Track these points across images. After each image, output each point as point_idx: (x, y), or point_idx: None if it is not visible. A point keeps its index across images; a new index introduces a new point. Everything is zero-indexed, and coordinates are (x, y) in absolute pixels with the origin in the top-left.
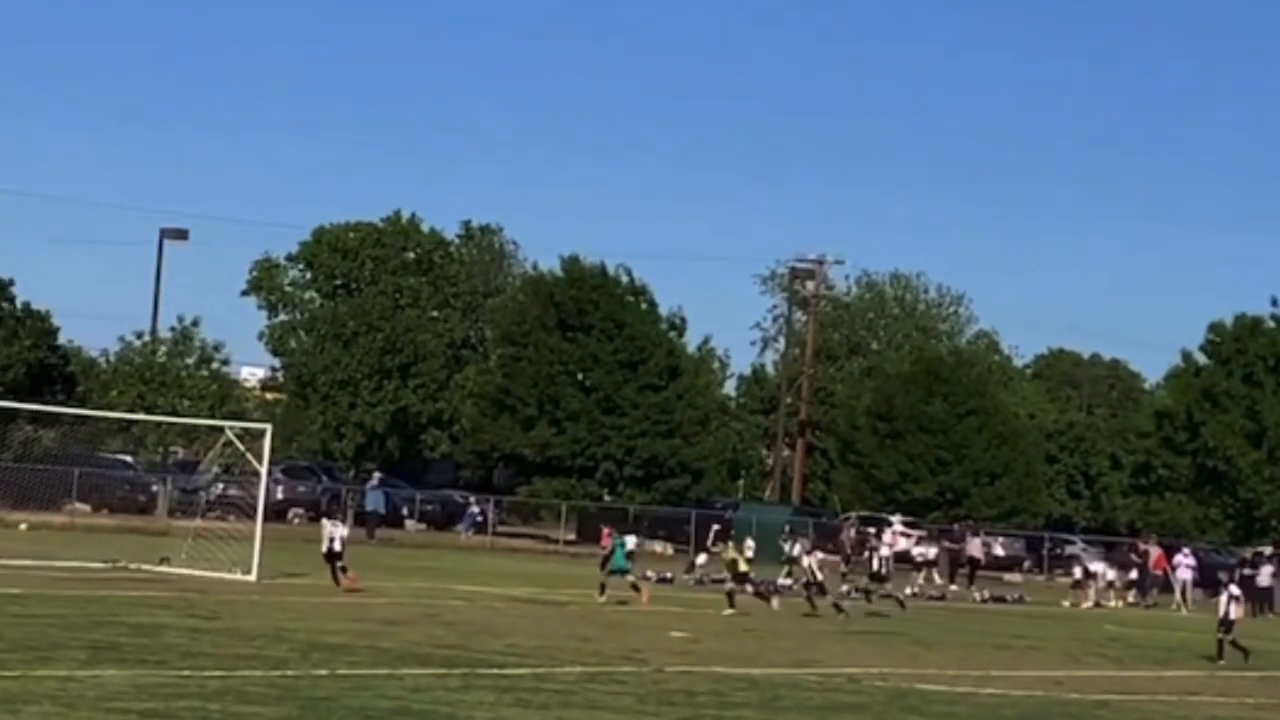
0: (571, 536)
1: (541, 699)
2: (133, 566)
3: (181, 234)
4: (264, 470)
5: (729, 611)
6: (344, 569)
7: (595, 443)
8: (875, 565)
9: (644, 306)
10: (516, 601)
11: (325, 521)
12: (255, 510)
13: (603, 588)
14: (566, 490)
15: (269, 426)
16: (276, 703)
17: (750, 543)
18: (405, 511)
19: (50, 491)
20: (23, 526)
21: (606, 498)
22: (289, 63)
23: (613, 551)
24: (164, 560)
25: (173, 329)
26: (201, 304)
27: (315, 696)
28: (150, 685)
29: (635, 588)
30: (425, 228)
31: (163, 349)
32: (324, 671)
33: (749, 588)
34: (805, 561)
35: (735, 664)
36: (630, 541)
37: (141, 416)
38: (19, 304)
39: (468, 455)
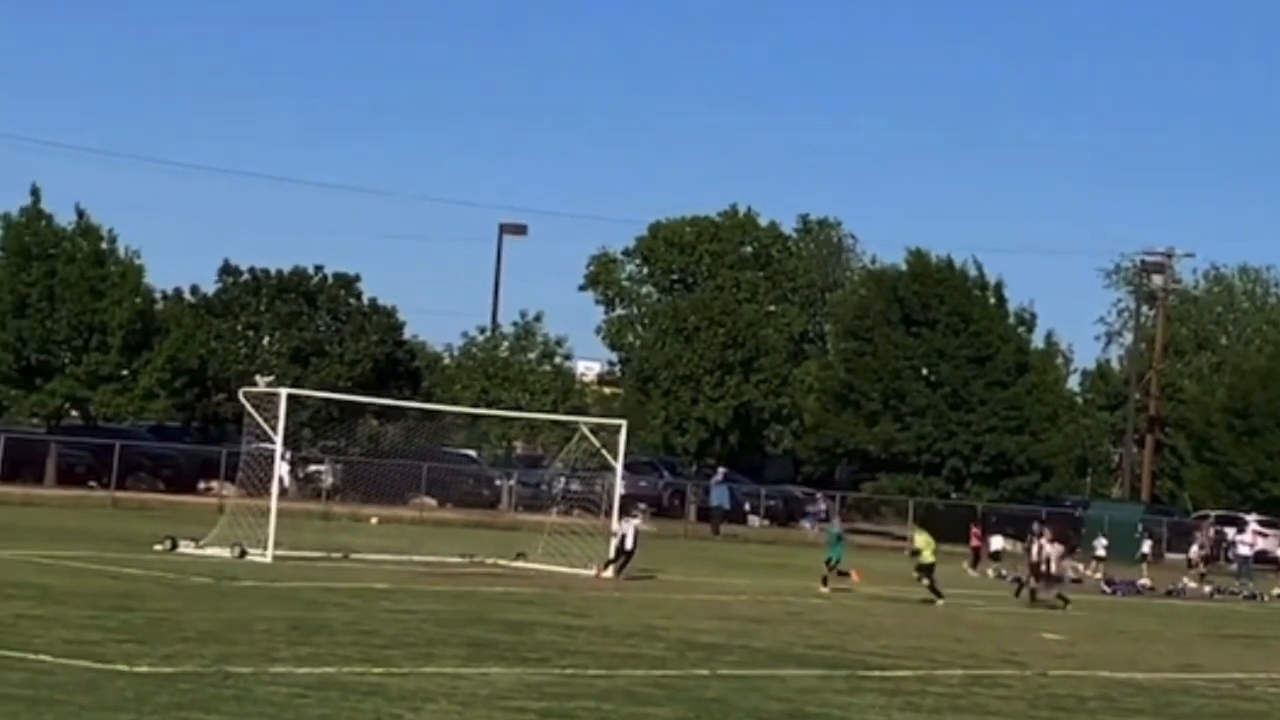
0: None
1: (930, 703)
2: (489, 561)
3: (520, 229)
4: (619, 466)
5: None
6: (610, 563)
7: (942, 439)
8: (1043, 565)
9: (991, 301)
10: (879, 600)
11: (617, 523)
12: (599, 506)
13: (825, 580)
14: (912, 486)
15: (624, 422)
16: (668, 703)
17: (1102, 540)
18: (748, 507)
19: (397, 486)
20: (373, 520)
21: (953, 495)
22: (624, 56)
23: (829, 541)
24: (520, 555)
25: (515, 324)
26: (539, 298)
27: (705, 697)
28: (538, 684)
29: (842, 573)
30: (762, 221)
31: (505, 344)
32: (705, 671)
33: (925, 581)
34: (1046, 551)
35: (1117, 668)
36: (996, 542)
37: (489, 411)
38: (365, 300)
39: (809, 450)
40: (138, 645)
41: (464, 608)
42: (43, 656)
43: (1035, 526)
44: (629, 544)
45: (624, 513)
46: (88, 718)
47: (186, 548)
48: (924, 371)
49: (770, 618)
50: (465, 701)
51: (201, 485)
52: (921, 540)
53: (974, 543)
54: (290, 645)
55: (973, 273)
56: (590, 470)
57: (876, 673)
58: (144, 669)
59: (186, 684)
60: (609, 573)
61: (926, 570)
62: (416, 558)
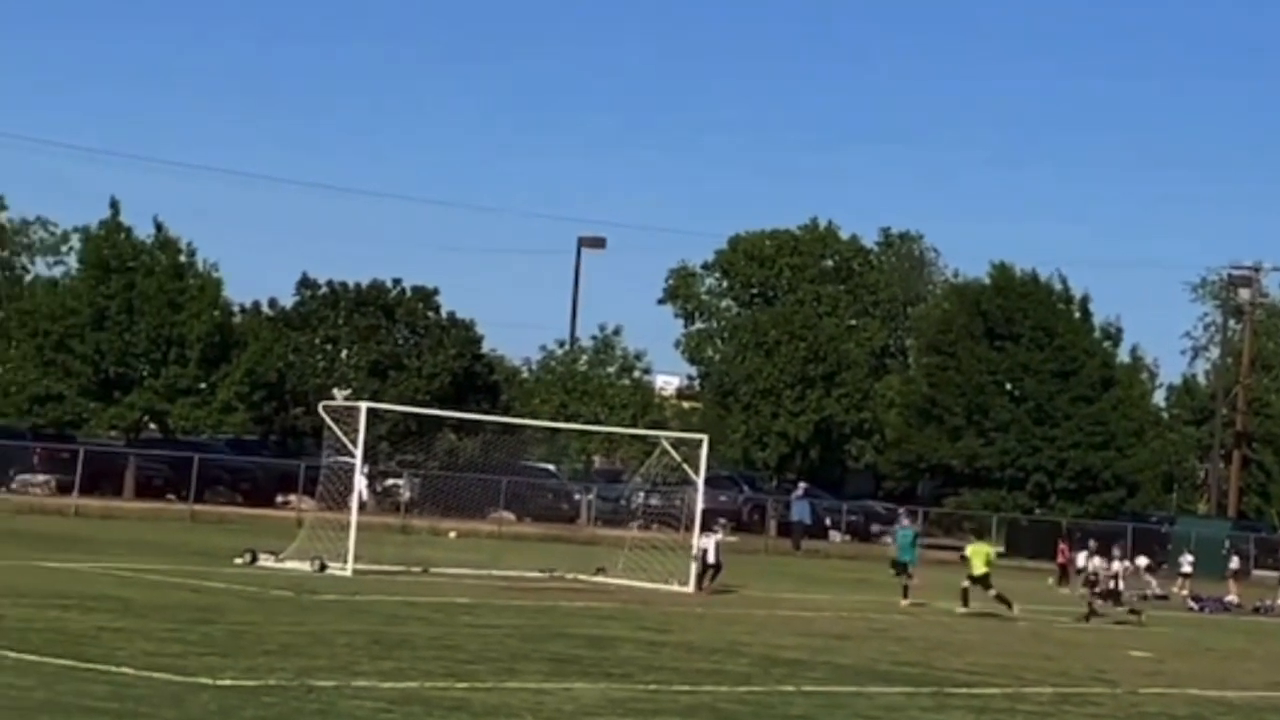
0: (1000, 549)
1: None
2: (569, 576)
3: (599, 242)
4: (700, 481)
5: (961, 610)
6: (700, 579)
7: (1026, 454)
8: (1107, 581)
9: (1076, 315)
10: (964, 616)
11: (698, 538)
12: (679, 521)
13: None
14: (996, 502)
15: (705, 437)
16: None
17: (1188, 556)
18: (829, 522)
19: (476, 500)
20: (452, 534)
21: (1037, 510)
22: (703, 69)
23: (900, 544)
24: (600, 570)
25: (594, 338)
26: (617, 312)
27: (790, 714)
28: (622, 700)
29: (910, 576)
30: (843, 234)
31: (583, 358)
32: (790, 688)
33: (990, 591)
34: (1114, 568)
35: (1207, 685)
36: (1084, 559)
37: (568, 425)
38: (444, 313)
39: (891, 465)
40: (220, 658)
41: (546, 622)
42: (125, 669)
43: (1090, 543)
44: (711, 558)
45: (705, 528)
46: None
47: (266, 561)
48: (1008, 386)
49: (853, 634)
50: (550, 717)
51: (279, 499)
52: (972, 549)
53: (1060, 559)
54: (372, 659)
55: (1057, 286)
56: (670, 485)
57: (964, 690)
58: (227, 682)
59: (270, 697)
60: (703, 584)
61: (979, 581)
62: (496, 572)
